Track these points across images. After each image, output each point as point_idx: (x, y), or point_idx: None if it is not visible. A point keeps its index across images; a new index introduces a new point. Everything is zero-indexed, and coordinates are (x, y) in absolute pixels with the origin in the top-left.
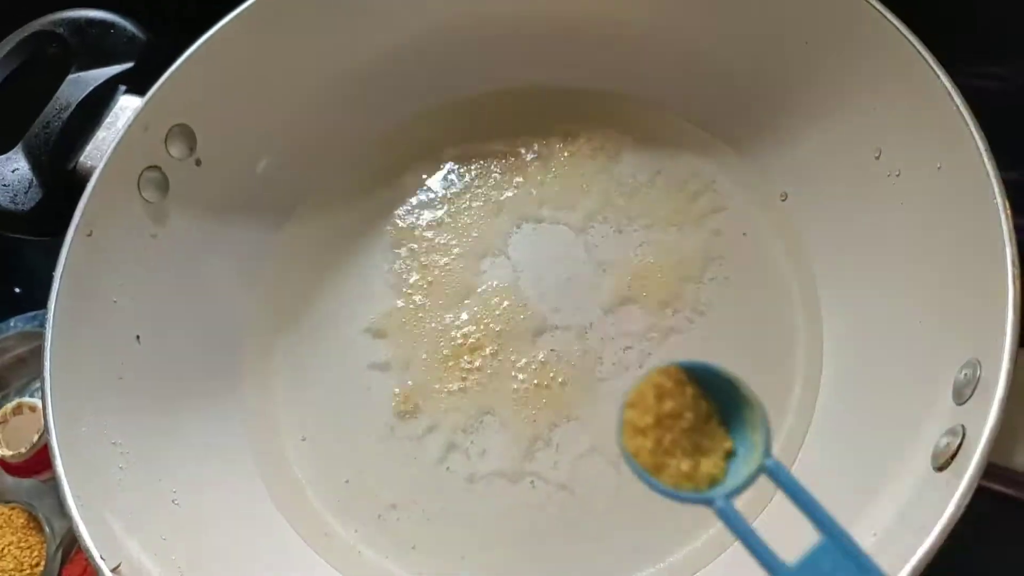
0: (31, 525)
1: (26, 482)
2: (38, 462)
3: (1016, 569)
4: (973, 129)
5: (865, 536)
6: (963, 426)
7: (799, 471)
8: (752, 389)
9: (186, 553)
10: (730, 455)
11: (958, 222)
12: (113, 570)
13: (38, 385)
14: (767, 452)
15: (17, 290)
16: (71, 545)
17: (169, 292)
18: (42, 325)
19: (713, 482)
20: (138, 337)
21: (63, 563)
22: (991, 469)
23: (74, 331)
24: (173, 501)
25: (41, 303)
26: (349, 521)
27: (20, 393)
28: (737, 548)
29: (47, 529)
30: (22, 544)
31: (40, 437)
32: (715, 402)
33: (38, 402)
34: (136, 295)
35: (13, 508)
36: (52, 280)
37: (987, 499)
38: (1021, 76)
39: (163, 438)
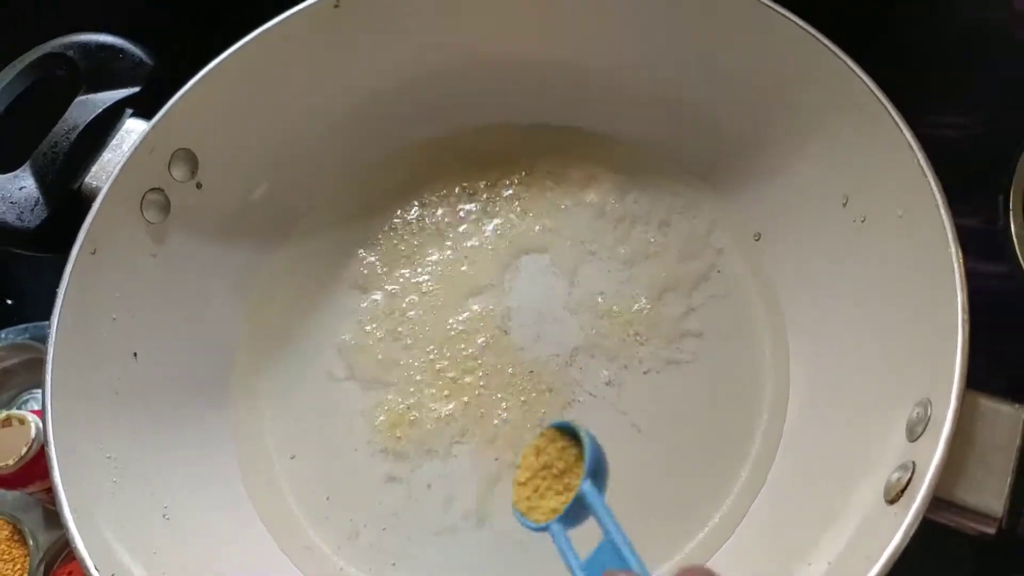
0: (15, 538)
1: (11, 494)
2: (25, 475)
3: None
4: (932, 181)
5: (821, 564)
6: (913, 462)
7: (765, 497)
8: (586, 429)
9: (176, 567)
10: None
11: (917, 268)
12: None
13: (27, 397)
14: (585, 478)
15: (9, 302)
16: (54, 559)
17: (166, 311)
18: (32, 338)
19: None
20: (135, 354)
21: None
22: (937, 502)
23: (74, 345)
24: (164, 516)
25: (31, 316)
26: (332, 537)
27: (8, 405)
28: None
29: (31, 542)
30: (5, 557)
31: (28, 449)
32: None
33: (27, 415)
34: (135, 313)
35: None
36: (55, 295)
37: (933, 530)
38: (979, 125)
39: (155, 453)
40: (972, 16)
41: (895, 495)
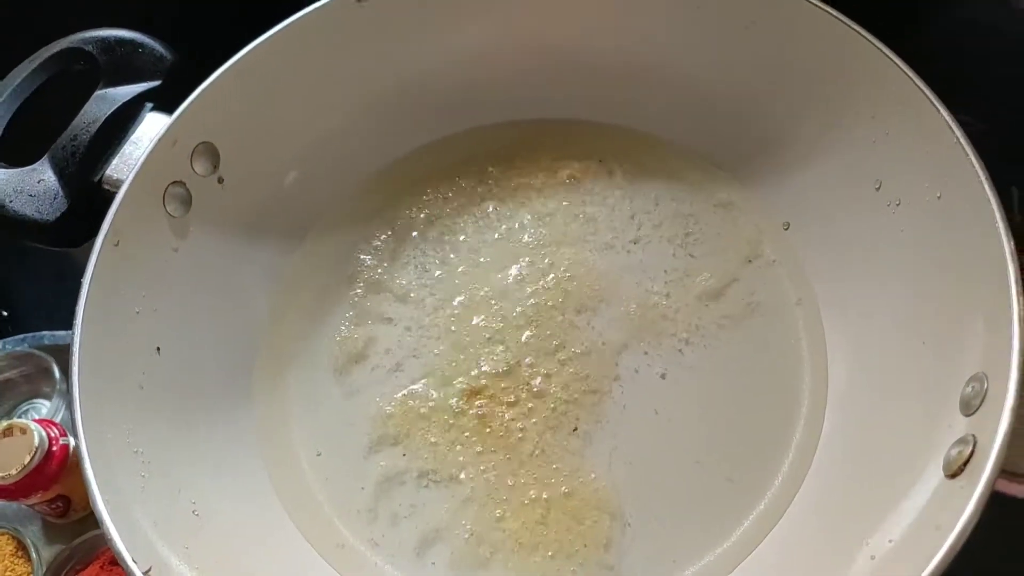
0: (18, 553)
1: (11, 508)
2: (27, 485)
3: None
4: (974, 160)
5: (881, 544)
6: (973, 435)
7: (811, 484)
8: None
9: (207, 563)
10: None
11: (958, 246)
12: (145, 573)
13: (26, 408)
14: None
15: (4, 313)
16: (58, 572)
17: (188, 305)
18: (31, 347)
19: None
20: (158, 349)
21: None
22: (1003, 475)
23: (99, 338)
24: (193, 512)
25: (28, 326)
26: (365, 535)
27: (8, 416)
28: None
29: (34, 556)
30: (8, 573)
31: (31, 459)
32: None
33: (29, 424)
34: (157, 307)
35: (2, 534)
36: (51, 304)
37: (1001, 503)
38: (988, 122)
39: (181, 450)
40: (976, 15)
41: (956, 469)
